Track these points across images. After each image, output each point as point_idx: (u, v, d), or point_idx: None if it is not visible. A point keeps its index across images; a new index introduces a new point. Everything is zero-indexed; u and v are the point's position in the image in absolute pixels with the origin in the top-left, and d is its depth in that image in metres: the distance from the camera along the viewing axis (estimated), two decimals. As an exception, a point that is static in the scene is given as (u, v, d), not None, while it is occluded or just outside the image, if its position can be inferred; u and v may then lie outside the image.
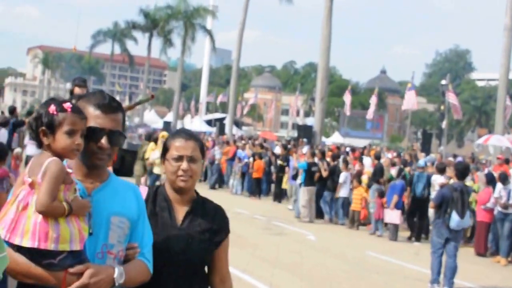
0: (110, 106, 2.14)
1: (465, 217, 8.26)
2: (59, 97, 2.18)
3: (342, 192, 14.50)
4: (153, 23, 48.04)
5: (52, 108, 1.96)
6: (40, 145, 1.98)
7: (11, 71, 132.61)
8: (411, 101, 30.50)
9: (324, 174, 14.76)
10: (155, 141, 13.77)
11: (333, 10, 28.37)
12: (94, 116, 2.11)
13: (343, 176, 14.47)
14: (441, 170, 12.41)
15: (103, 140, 2.10)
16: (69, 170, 1.98)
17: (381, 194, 13.20)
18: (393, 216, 12.73)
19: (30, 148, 12.95)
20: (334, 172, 14.75)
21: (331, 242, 11.91)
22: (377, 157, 15.19)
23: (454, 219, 8.18)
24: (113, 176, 2.23)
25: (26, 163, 12.32)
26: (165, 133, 13.73)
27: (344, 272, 8.92)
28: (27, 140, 13.09)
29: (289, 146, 20.36)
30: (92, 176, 2.15)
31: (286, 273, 8.34)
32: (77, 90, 6.67)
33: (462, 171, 8.61)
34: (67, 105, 1.98)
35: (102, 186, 2.15)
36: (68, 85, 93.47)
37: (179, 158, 2.50)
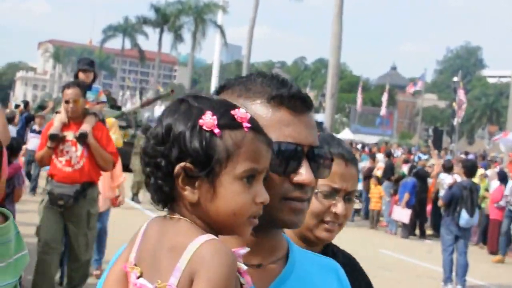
0: (306, 102, 1.09)
1: (475, 215, 8.26)
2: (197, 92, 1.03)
3: None
4: (163, 19, 48.06)
5: (210, 120, 0.91)
6: (165, 198, 0.95)
7: (22, 65, 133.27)
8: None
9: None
10: None
11: (344, 7, 28.27)
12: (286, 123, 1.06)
13: None
14: (448, 169, 12.32)
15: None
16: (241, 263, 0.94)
17: (394, 192, 13.15)
18: (402, 214, 12.67)
19: (32, 142, 11.95)
20: None
21: (342, 240, 11.81)
22: (388, 154, 15.14)
23: (464, 217, 8.19)
24: (293, 247, 1.16)
25: (29, 162, 12.12)
26: None
27: (356, 269, 8.88)
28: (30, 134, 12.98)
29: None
30: (262, 250, 1.09)
31: (298, 270, 8.32)
32: (81, 76, 5.96)
33: (470, 169, 8.58)
34: (242, 115, 0.93)
35: (284, 274, 1.09)
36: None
37: (333, 193, 1.62)
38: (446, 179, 11.88)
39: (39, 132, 10.46)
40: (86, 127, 5.01)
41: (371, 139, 47.19)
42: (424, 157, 16.64)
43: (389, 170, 14.07)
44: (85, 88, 5.20)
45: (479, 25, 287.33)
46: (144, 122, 23.49)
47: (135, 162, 13.81)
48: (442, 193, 10.60)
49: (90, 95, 5.81)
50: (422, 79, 31.74)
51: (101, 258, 6.72)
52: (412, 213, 12.57)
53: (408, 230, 12.85)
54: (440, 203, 9.42)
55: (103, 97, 6.24)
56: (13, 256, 1.70)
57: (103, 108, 6.26)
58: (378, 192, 13.71)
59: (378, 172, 14.25)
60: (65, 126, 5.09)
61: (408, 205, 12.67)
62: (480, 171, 12.99)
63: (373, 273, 8.15)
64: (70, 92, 4.99)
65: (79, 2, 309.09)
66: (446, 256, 8.32)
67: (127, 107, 33.17)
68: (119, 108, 23.21)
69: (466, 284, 8.26)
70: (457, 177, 10.93)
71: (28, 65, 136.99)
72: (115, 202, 6.70)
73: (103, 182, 5.94)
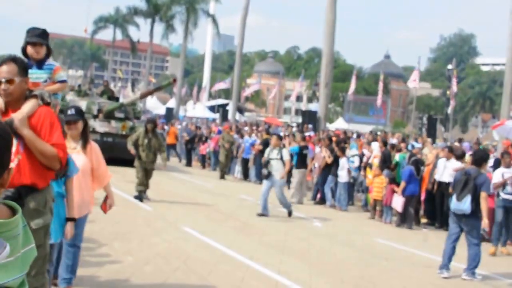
0: None
1: (464, 201, 8.08)
2: None
3: (343, 177, 14.47)
4: (155, 9, 47.72)
5: None
6: None
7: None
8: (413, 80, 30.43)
9: (329, 160, 14.84)
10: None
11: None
12: None
13: (343, 162, 14.53)
14: (460, 156, 12.44)
15: None
16: None
17: (392, 180, 13.09)
18: (396, 202, 12.64)
19: None
20: (338, 158, 14.77)
21: (337, 229, 11.84)
22: (384, 142, 15.08)
23: (452, 200, 8.20)
24: None
25: None
26: None
27: (352, 258, 8.85)
28: None
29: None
30: None
31: (294, 260, 8.26)
32: (30, 51, 4.78)
33: (479, 158, 8.51)
34: None
35: None
36: (71, 72, 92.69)
37: None
38: (453, 165, 11.95)
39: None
40: (17, 114, 3.83)
41: (365, 128, 47.18)
42: (417, 145, 16.60)
43: (388, 158, 13.98)
44: (25, 65, 4.02)
45: (473, 12, 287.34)
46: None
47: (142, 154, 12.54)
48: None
49: (41, 74, 4.84)
50: (417, 68, 31.83)
51: (72, 278, 5.52)
52: (406, 201, 12.52)
53: (401, 218, 12.80)
54: (450, 190, 9.48)
55: (62, 75, 5.05)
56: (21, 250, 1.67)
57: (63, 87, 5.09)
58: (380, 182, 13.54)
59: (375, 161, 14.16)
60: (2, 114, 3.92)
61: (406, 193, 12.56)
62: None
63: (369, 262, 8.08)
64: (2, 71, 3.86)
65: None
66: (448, 244, 8.31)
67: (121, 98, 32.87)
68: (117, 99, 22.86)
69: (477, 276, 8.21)
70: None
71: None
72: (105, 208, 5.85)
73: (80, 182, 5.19)
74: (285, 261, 8.07)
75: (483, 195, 8.07)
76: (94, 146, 5.49)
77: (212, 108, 53.06)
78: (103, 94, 21.55)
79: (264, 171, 12.21)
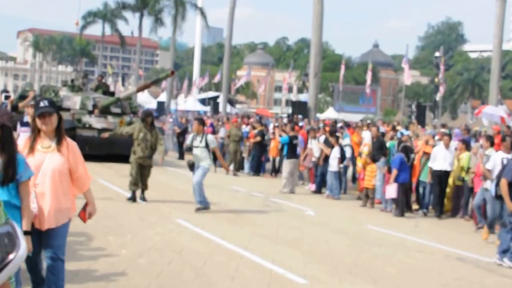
0: None
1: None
2: None
3: (334, 166, 14.56)
4: (143, 3, 47.53)
5: None
6: None
7: (1, 55, 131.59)
8: (408, 75, 30.58)
9: (327, 151, 14.93)
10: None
11: (325, -15, 28.12)
12: None
13: (335, 151, 14.61)
14: (493, 143, 11.84)
15: None
16: None
17: (390, 170, 13.17)
18: (390, 190, 12.70)
19: (23, 137, 11.33)
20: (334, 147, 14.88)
21: (329, 217, 11.94)
22: (378, 130, 15.20)
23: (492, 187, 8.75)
24: None
25: None
26: None
27: (345, 246, 8.95)
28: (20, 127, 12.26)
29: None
30: None
31: (287, 249, 8.35)
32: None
33: None
34: None
35: None
36: (60, 68, 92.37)
37: None
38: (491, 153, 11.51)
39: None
40: None
41: (356, 117, 47.32)
42: (406, 132, 16.70)
43: (384, 146, 14.04)
44: None
45: (460, 0, 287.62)
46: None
47: (137, 149, 11.57)
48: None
49: None
50: (405, 56, 31.94)
51: None
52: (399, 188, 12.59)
53: (397, 206, 12.88)
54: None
55: None
56: None
57: None
58: (371, 170, 13.64)
59: (365, 149, 14.24)
60: None
61: (398, 180, 12.62)
62: (476, 145, 13.13)
63: (362, 249, 8.17)
64: None
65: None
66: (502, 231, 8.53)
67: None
68: (112, 94, 22.31)
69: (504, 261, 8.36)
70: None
71: (7, 55, 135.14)
72: (84, 217, 4.92)
73: (56, 186, 4.55)
74: (279, 250, 8.15)
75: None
76: (71, 144, 4.67)
77: (203, 101, 53.02)
78: (97, 89, 21.12)
79: (189, 162, 11.07)
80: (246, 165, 19.80)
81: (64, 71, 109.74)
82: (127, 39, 58.31)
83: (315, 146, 15.78)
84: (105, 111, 18.99)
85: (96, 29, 60.74)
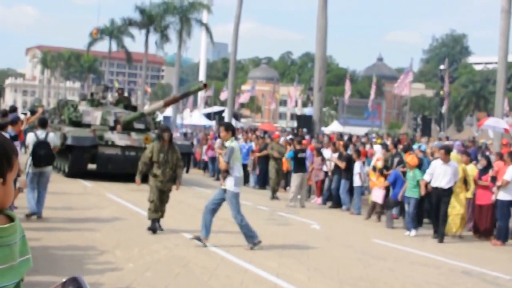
0: None
1: None
2: None
3: (357, 181, 14.59)
4: (149, 19, 47.96)
5: None
6: None
7: (11, 72, 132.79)
8: (404, 85, 30.58)
9: (342, 165, 14.96)
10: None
11: (328, 0, 28.33)
12: None
13: (357, 166, 14.61)
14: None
15: None
16: None
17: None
18: (377, 193, 12.87)
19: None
20: (349, 161, 14.91)
21: (335, 231, 11.96)
22: (395, 144, 15.32)
23: None
24: None
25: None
26: None
27: (350, 259, 8.97)
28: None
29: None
30: None
31: (293, 262, 8.38)
32: None
33: None
34: None
35: None
36: (68, 84, 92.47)
37: None
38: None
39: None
40: None
41: (360, 131, 47.32)
42: (424, 147, 16.66)
43: (401, 159, 14.09)
44: None
45: (464, 13, 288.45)
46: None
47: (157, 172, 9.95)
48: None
49: None
50: (409, 70, 31.99)
51: None
52: (389, 203, 12.72)
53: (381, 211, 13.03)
54: None
55: None
56: (18, 259, 1.70)
57: None
58: (382, 185, 13.48)
59: (379, 163, 14.21)
60: None
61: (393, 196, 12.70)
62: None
63: (368, 262, 8.19)
64: None
65: (67, 7, 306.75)
66: None
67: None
68: (134, 108, 20.56)
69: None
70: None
71: (16, 71, 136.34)
72: None
73: None
74: (284, 264, 8.19)
75: None
76: None
77: (208, 116, 53.20)
78: (118, 103, 19.66)
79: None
80: (252, 179, 19.86)
81: (71, 87, 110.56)
82: (133, 55, 58.68)
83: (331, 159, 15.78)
84: (128, 127, 17.68)
85: (103, 46, 61.18)
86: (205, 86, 15.39)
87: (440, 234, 11.30)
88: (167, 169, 9.91)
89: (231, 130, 9.11)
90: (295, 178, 15.32)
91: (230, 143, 8.98)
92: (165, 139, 9.94)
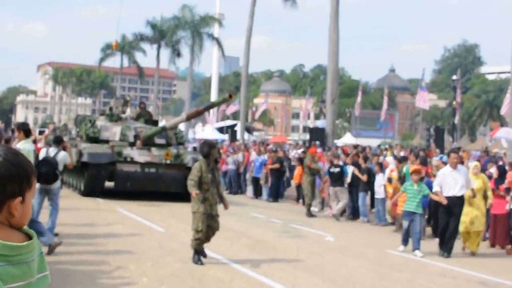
0: None
1: None
2: None
3: (380, 193, 14.56)
4: (160, 34, 48.32)
5: None
6: None
7: (22, 88, 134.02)
8: (422, 99, 30.52)
9: (364, 178, 14.96)
10: None
11: (340, 12, 28.42)
12: None
13: (381, 178, 14.59)
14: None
15: None
16: None
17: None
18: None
19: None
20: (370, 173, 14.95)
21: (349, 242, 11.88)
22: (417, 156, 15.33)
23: None
24: None
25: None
26: None
27: (365, 271, 8.89)
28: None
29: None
30: None
31: (308, 275, 8.33)
32: None
33: None
34: None
35: None
36: (80, 100, 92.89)
37: None
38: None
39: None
40: None
41: (373, 142, 47.18)
42: (445, 158, 16.47)
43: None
44: None
45: (476, 22, 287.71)
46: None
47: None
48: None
49: None
50: (425, 88, 32.07)
51: None
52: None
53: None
54: None
55: None
56: (36, 276, 1.71)
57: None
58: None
59: (394, 174, 14.06)
60: None
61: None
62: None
63: (382, 274, 8.13)
64: None
65: (77, 24, 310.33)
66: None
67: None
68: (155, 122, 19.68)
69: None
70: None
71: (28, 88, 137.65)
72: None
73: None
74: (299, 276, 8.14)
75: None
76: None
77: (221, 129, 53.32)
78: (138, 117, 18.75)
79: None
80: (265, 191, 19.83)
81: (83, 103, 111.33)
82: (145, 70, 59.07)
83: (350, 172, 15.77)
84: (148, 143, 16.90)
85: (114, 61, 61.62)
86: (230, 97, 14.96)
87: (448, 248, 10.54)
88: (214, 190, 8.78)
89: (23, 130, 8.93)
90: (333, 193, 15.60)
91: (23, 145, 8.65)
92: (212, 155, 8.87)
